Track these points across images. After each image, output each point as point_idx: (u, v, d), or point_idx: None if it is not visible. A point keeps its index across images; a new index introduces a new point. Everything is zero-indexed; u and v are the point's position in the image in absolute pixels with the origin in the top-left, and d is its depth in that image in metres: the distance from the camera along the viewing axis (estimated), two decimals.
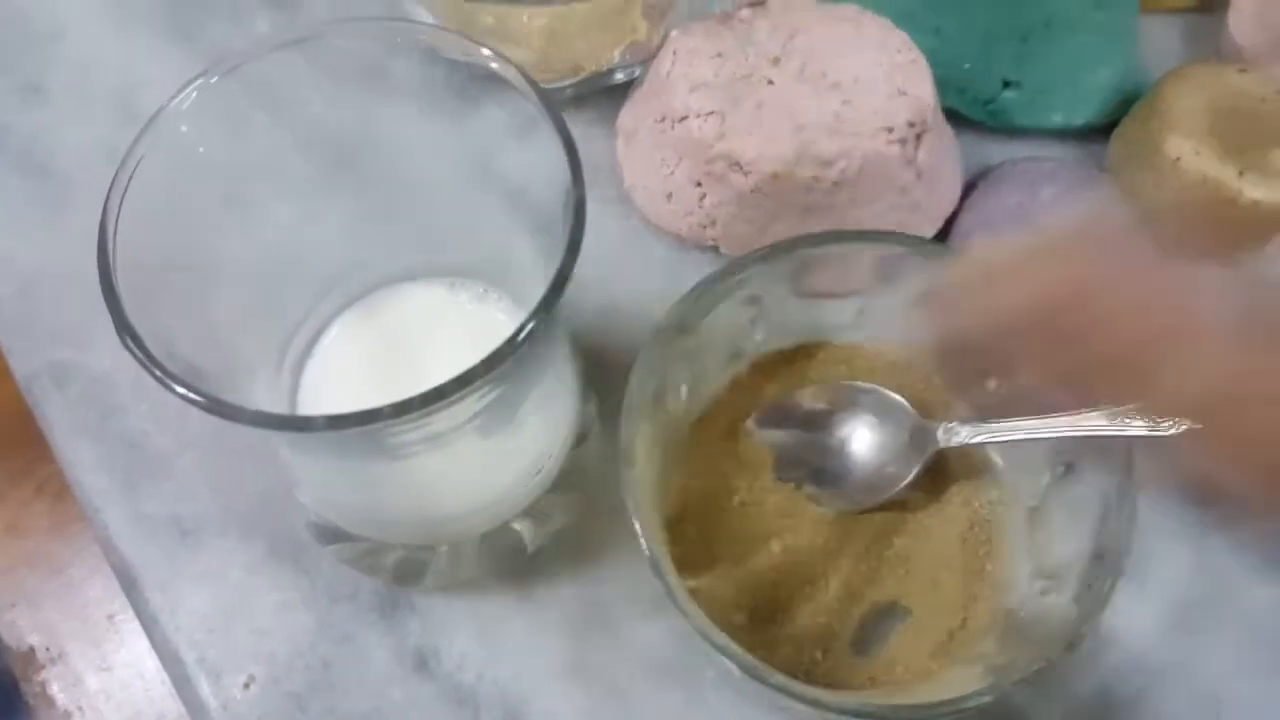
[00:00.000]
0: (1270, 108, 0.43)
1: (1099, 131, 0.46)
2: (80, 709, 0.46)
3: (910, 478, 0.36)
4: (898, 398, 0.37)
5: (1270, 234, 0.44)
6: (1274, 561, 0.39)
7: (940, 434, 0.35)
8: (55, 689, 0.47)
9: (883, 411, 0.37)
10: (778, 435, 0.37)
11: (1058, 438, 0.33)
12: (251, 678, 0.37)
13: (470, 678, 0.36)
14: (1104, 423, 0.32)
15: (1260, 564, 0.38)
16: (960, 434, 0.35)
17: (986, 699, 0.30)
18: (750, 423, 0.37)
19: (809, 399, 0.38)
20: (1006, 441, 0.34)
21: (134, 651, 0.45)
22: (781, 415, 0.37)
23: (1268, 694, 0.37)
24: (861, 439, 0.37)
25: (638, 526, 0.31)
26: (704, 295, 0.35)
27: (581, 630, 0.37)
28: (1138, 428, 0.30)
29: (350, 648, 0.37)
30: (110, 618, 0.49)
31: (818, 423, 0.37)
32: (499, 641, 0.37)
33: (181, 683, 0.37)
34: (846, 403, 0.37)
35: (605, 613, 0.37)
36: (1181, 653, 0.37)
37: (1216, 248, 0.45)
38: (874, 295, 0.38)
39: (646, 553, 0.31)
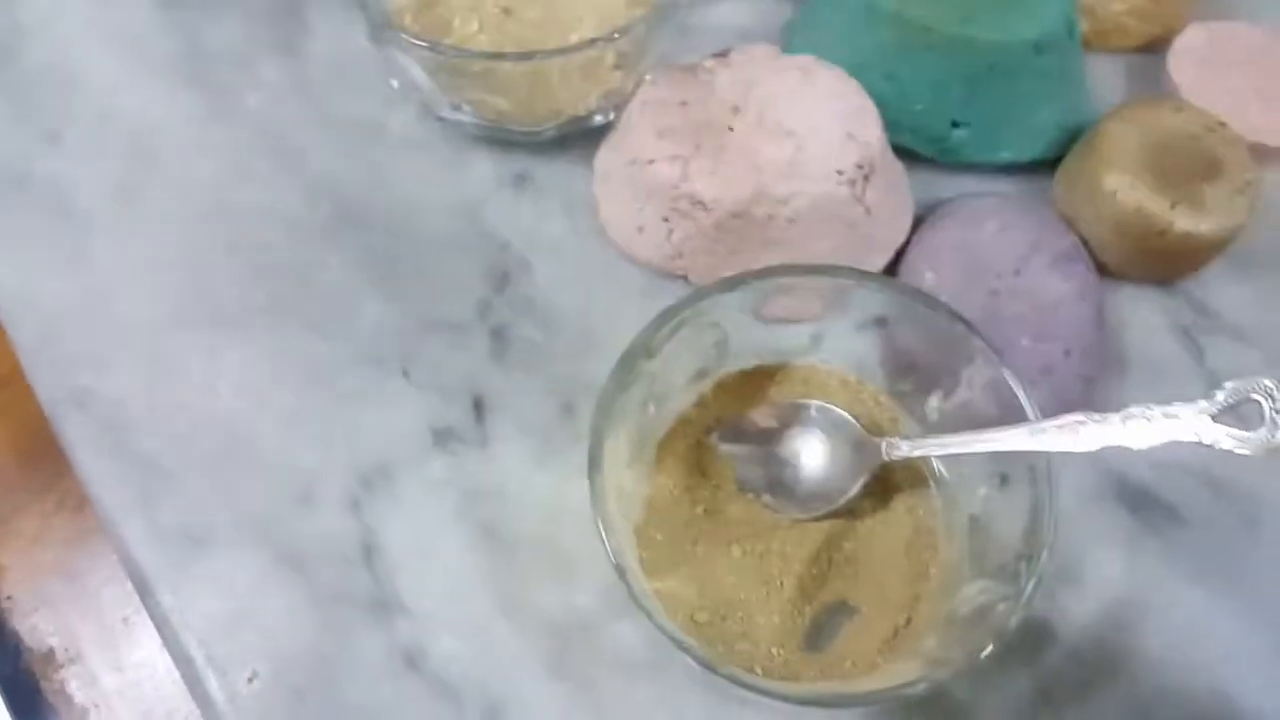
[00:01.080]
0: (1202, 144, 0.47)
1: (1047, 165, 0.50)
2: (97, 706, 0.50)
3: (856, 488, 0.39)
4: (845, 415, 0.40)
5: (1202, 262, 0.48)
6: (1201, 566, 0.42)
7: (884, 448, 0.39)
8: (74, 687, 0.50)
9: (831, 428, 0.40)
10: (737, 449, 0.40)
11: (987, 452, 0.36)
12: (255, 673, 0.40)
13: (456, 676, 0.40)
14: (1026, 439, 0.35)
15: (1190, 568, 0.42)
16: (901, 448, 0.38)
17: (921, 688, 0.33)
18: (714, 437, 0.41)
19: (765, 416, 0.41)
20: (941, 455, 0.38)
21: (146, 652, 0.48)
22: (740, 431, 0.41)
23: (1194, 689, 0.40)
24: (812, 453, 0.40)
25: (603, 533, 0.35)
26: (667, 322, 0.38)
27: (558, 631, 0.40)
28: (1058, 443, 0.34)
29: (346, 646, 0.40)
30: (124, 620, 0.52)
31: (773, 438, 0.41)
32: (482, 643, 0.40)
33: (191, 679, 0.40)
34: (799, 420, 0.41)
35: (581, 615, 0.40)
36: (1116, 650, 0.40)
37: (1154, 272, 0.48)
38: (828, 322, 0.42)
39: (611, 558, 0.35)
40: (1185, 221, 0.45)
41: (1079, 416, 0.34)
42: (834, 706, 0.33)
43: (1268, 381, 0.33)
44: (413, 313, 0.46)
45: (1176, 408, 0.33)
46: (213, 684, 0.40)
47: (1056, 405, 0.37)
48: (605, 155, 0.47)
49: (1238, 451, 0.32)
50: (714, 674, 0.33)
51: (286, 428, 0.44)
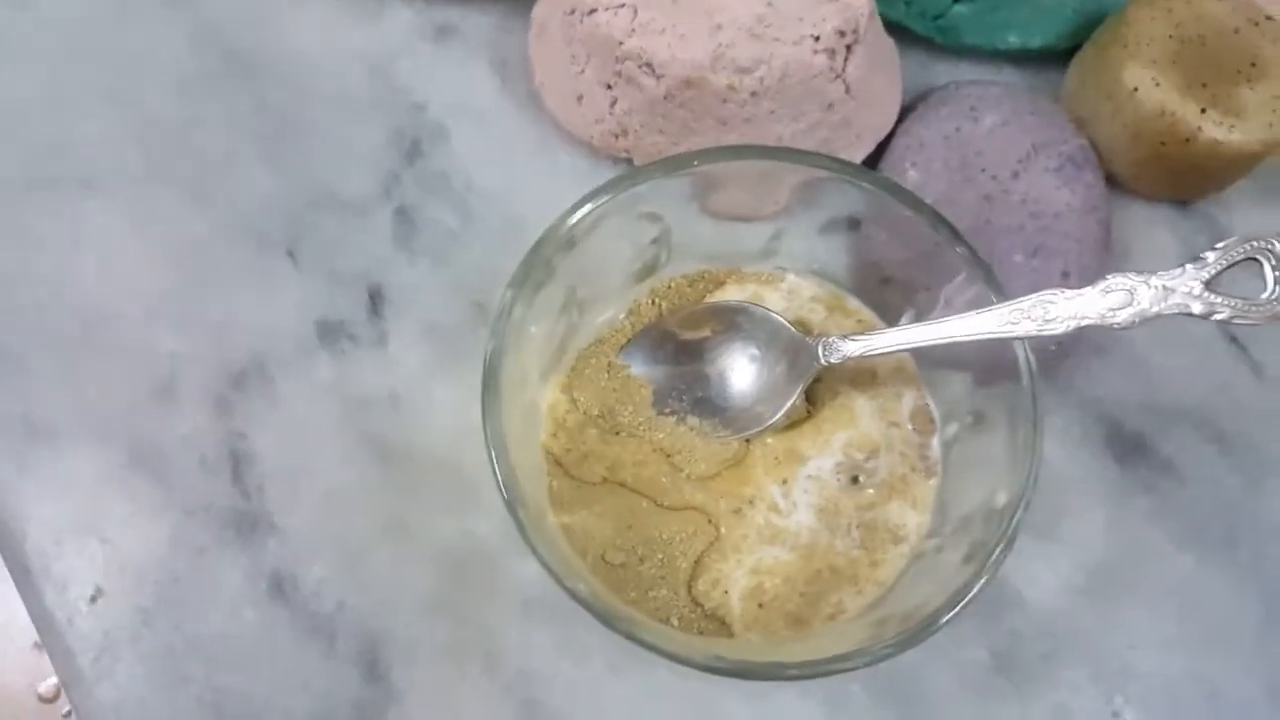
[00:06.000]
0: (1243, 40, 0.40)
1: (1058, 57, 0.43)
2: None
3: (792, 402, 0.33)
4: (775, 315, 0.34)
5: (1229, 177, 0.41)
6: (1195, 527, 0.36)
7: (820, 350, 0.33)
8: None
9: (760, 332, 0.34)
10: (652, 369, 0.34)
11: (955, 344, 0.31)
12: (99, 590, 0.35)
13: (329, 606, 0.34)
14: (992, 326, 0.30)
15: (1180, 530, 0.36)
16: (840, 349, 0.33)
17: (861, 661, 0.28)
18: (620, 357, 0.35)
19: (680, 326, 0.35)
20: (889, 351, 0.32)
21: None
22: (652, 346, 0.35)
23: (1174, 668, 0.35)
24: (740, 365, 0.34)
25: (493, 459, 0.29)
26: (592, 206, 0.31)
27: (451, 563, 0.35)
28: (1026, 328, 0.30)
29: (203, 565, 0.35)
30: None
31: (693, 351, 0.35)
32: (363, 571, 0.35)
33: (27, 593, 0.35)
34: (721, 325, 0.35)
35: (481, 547, 0.35)
36: (1088, 619, 0.35)
37: (1171, 189, 0.42)
38: (791, 220, 0.35)
39: (501, 489, 0.29)
40: (1215, 129, 0.38)
41: (1050, 293, 0.30)
42: (752, 678, 0.28)
43: (1272, 239, 0.28)
44: (305, 184, 0.40)
45: (1162, 275, 0.29)
46: (50, 599, 0.35)
47: (1047, 339, 0.32)
48: (543, 2, 0.39)
49: (1238, 322, 0.28)
50: (610, 629, 0.28)
51: (149, 310, 0.38)
